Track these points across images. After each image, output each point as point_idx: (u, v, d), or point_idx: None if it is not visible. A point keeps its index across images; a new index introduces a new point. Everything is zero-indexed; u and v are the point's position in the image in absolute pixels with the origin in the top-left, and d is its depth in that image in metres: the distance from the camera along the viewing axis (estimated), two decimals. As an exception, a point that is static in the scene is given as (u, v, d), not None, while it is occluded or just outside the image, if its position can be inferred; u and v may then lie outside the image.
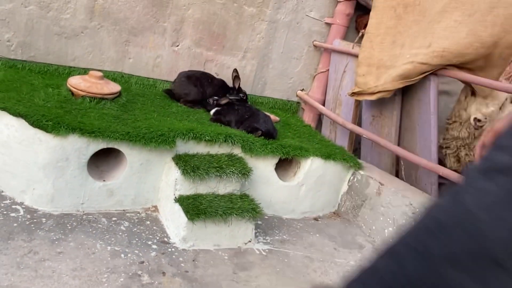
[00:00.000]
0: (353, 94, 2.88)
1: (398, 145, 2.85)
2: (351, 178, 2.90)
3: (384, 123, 2.90)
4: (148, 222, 2.31)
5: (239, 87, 3.08)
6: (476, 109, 2.63)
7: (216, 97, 2.99)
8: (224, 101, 2.93)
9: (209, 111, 2.96)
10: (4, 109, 2.09)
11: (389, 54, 2.68)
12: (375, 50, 2.76)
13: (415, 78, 2.47)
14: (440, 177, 2.61)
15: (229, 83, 3.12)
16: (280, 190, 2.71)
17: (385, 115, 2.89)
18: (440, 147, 2.83)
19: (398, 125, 2.82)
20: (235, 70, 3.08)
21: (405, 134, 2.82)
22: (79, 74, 2.78)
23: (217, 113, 2.88)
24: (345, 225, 2.84)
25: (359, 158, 3.09)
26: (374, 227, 2.72)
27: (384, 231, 2.65)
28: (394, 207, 2.61)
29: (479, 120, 2.62)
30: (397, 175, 2.98)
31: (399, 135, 2.85)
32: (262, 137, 2.67)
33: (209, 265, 2.09)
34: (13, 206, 2.12)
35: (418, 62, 2.41)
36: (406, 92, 2.75)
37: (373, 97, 2.69)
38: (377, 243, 2.68)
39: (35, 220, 2.06)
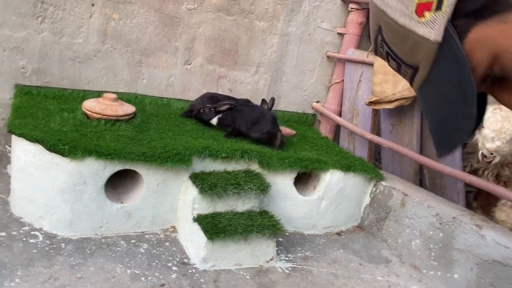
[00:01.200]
0: (370, 103, 2.81)
1: (420, 153, 2.76)
2: (373, 189, 2.81)
3: (404, 131, 2.83)
4: (167, 244, 2.27)
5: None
6: (481, 143, 2.40)
7: (209, 105, 2.82)
8: (224, 107, 2.77)
9: (207, 121, 2.83)
10: (21, 135, 2.09)
11: (405, 61, 2.62)
12: (391, 57, 2.70)
13: (435, 84, 2.40)
14: (466, 184, 2.51)
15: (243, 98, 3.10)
16: (300, 205, 2.64)
17: (405, 123, 2.81)
18: (475, 171, 2.66)
19: (420, 133, 2.74)
20: (263, 100, 3.00)
21: (426, 141, 2.74)
22: (93, 97, 2.79)
23: (222, 122, 2.76)
24: (369, 239, 2.74)
25: (380, 169, 3.00)
26: (400, 240, 2.62)
27: (411, 244, 2.55)
28: (420, 218, 2.52)
29: (485, 156, 2.40)
30: (421, 184, 2.88)
31: (420, 143, 2.77)
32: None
33: (231, 286, 2.03)
34: (32, 232, 2.10)
35: (436, 67, 2.34)
36: (425, 99, 2.68)
37: (391, 105, 2.62)
38: (404, 257, 2.57)
39: (54, 246, 2.03)
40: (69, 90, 2.82)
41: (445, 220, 2.39)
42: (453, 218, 2.35)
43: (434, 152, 2.60)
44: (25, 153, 2.10)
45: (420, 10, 0.56)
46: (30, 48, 2.68)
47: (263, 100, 3.01)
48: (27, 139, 2.07)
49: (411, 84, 0.63)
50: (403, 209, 2.62)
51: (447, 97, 0.56)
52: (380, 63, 2.77)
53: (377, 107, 2.79)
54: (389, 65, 0.65)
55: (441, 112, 0.57)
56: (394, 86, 2.63)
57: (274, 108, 3.30)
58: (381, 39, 0.63)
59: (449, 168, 2.47)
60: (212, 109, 2.79)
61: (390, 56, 0.63)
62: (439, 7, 0.53)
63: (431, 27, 0.55)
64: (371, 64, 2.97)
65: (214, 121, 2.82)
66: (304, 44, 3.38)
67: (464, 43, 0.52)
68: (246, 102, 3.03)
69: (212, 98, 2.95)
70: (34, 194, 2.12)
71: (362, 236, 2.78)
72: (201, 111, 2.81)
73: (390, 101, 2.61)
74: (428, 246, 2.45)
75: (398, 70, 0.63)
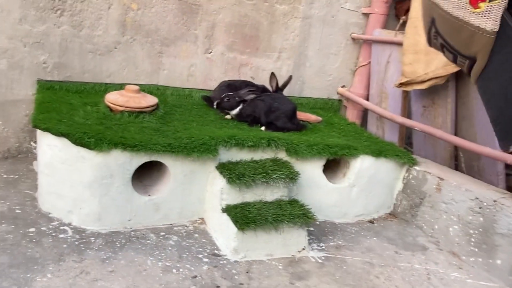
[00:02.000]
0: (401, 84, 2.69)
1: (455, 135, 2.63)
2: (406, 175, 2.70)
3: (437, 113, 2.69)
4: (197, 235, 2.22)
5: (277, 87, 2.97)
6: None
7: (230, 93, 2.70)
8: (250, 96, 2.64)
9: (228, 111, 2.71)
10: (46, 129, 2.07)
11: (437, 38, 2.48)
12: (422, 35, 2.53)
13: (471, 60, 2.26)
14: (507, 166, 2.37)
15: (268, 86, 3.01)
16: (330, 193, 2.55)
17: (438, 104, 2.68)
18: None
19: (454, 114, 2.60)
20: (272, 73, 2.95)
21: (462, 122, 2.60)
22: (115, 90, 2.75)
23: (244, 112, 2.66)
24: (403, 226, 2.64)
25: (412, 154, 2.88)
26: (436, 226, 2.51)
27: (448, 230, 2.43)
28: (458, 203, 2.40)
29: None
30: (456, 168, 2.75)
31: (455, 124, 2.63)
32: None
33: (264, 277, 1.97)
34: (61, 227, 2.09)
35: (473, 42, 2.20)
36: (460, 77, 2.54)
37: (424, 86, 2.49)
38: (441, 244, 2.46)
39: (84, 240, 2.01)
40: (90, 84, 2.79)
41: (485, 204, 2.26)
42: (494, 201, 2.23)
43: (471, 133, 2.46)
44: (51, 147, 2.08)
45: (475, 1, 0.51)
46: (50, 42, 2.65)
47: (272, 74, 2.91)
48: (52, 133, 2.05)
49: (468, 74, 0.58)
50: (439, 194, 2.50)
51: (508, 88, 0.52)
52: (410, 42, 2.63)
53: (408, 88, 2.66)
54: (444, 55, 0.61)
55: (503, 104, 0.53)
56: (426, 65, 2.50)
57: (298, 95, 3.21)
58: (435, 31, 0.59)
59: (489, 148, 2.34)
60: (237, 98, 2.66)
61: (445, 48, 0.58)
62: None
63: (487, 17, 0.50)
64: (400, 44, 2.84)
65: (235, 111, 2.69)
66: (328, 27, 3.26)
67: None
68: (264, 89, 2.96)
69: (230, 86, 2.88)
70: (62, 188, 2.10)
71: (395, 223, 2.68)
72: (225, 100, 2.70)
73: (423, 81, 2.48)
74: (468, 232, 2.33)
75: (454, 61, 0.59)
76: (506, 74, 0.50)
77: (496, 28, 0.47)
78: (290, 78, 2.92)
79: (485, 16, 0.47)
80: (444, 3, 0.50)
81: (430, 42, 0.59)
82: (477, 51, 0.50)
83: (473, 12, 0.49)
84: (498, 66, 0.51)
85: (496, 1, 0.47)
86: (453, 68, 2.33)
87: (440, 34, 0.54)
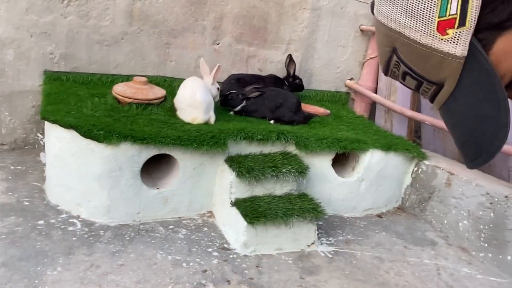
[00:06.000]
0: (411, 78, 2.64)
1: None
2: (415, 169, 2.68)
3: (448, 107, 2.66)
4: (206, 229, 2.21)
5: (294, 73, 2.94)
6: None
7: (234, 91, 2.64)
8: (254, 93, 2.60)
9: (233, 107, 2.66)
10: (54, 121, 2.05)
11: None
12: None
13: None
14: (518, 161, 2.35)
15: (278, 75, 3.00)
16: (339, 187, 2.54)
17: (448, 98, 2.64)
18: None
19: (465, 108, 2.57)
20: (289, 56, 2.95)
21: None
22: (122, 81, 2.72)
23: (246, 109, 2.62)
24: (412, 221, 2.63)
25: (420, 147, 2.86)
26: (445, 221, 2.49)
27: (458, 225, 2.42)
28: (468, 198, 2.38)
29: None
30: (465, 162, 2.72)
31: (466, 118, 2.60)
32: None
33: (274, 271, 1.97)
34: (70, 220, 2.08)
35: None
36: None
37: (436, 79, 2.45)
38: (450, 239, 2.45)
39: (93, 233, 2.00)
40: (97, 75, 2.76)
41: (496, 199, 2.25)
42: (506, 197, 2.21)
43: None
44: (59, 139, 2.06)
45: (442, 28, 0.51)
46: (57, 33, 2.62)
47: (290, 58, 2.94)
48: (61, 126, 2.03)
49: (431, 100, 0.59)
50: (448, 189, 2.48)
51: (478, 108, 0.54)
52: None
53: (419, 82, 2.62)
54: (405, 84, 0.61)
55: (473, 124, 0.55)
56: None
57: (306, 87, 3.18)
58: (397, 60, 0.58)
59: (500, 144, 2.31)
60: (240, 96, 2.62)
61: (408, 75, 0.58)
62: (462, 23, 0.51)
63: (456, 43, 0.50)
64: (410, 37, 2.79)
65: (238, 108, 2.63)
66: (337, 18, 3.21)
67: (490, 55, 0.52)
68: (274, 79, 2.93)
69: (240, 81, 2.83)
70: (71, 181, 2.09)
71: (404, 218, 2.66)
72: (229, 97, 2.65)
73: (434, 75, 2.44)
74: (478, 227, 2.32)
75: (417, 88, 0.59)
76: (476, 95, 0.52)
77: (465, 53, 0.49)
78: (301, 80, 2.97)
79: (454, 42, 0.48)
80: (410, 32, 0.51)
81: (387, 72, 0.59)
82: (446, 77, 0.52)
83: (442, 39, 0.50)
84: (467, 89, 0.53)
85: (465, 27, 0.48)
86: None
87: (403, 62, 0.55)
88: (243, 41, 3.07)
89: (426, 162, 2.62)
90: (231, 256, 2.02)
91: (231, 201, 2.16)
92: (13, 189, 2.24)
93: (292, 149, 2.41)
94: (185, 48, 2.96)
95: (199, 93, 2.27)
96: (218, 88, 2.55)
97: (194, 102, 2.28)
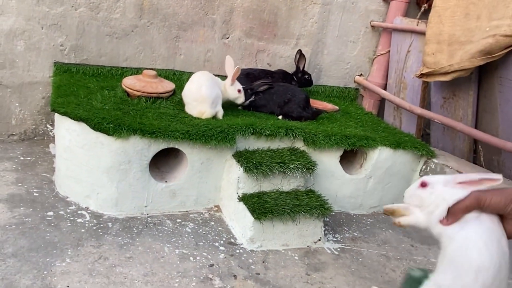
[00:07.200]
0: (422, 75, 2.63)
1: (475, 128, 2.57)
2: (423, 167, 2.66)
3: (458, 105, 2.64)
4: (213, 223, 2.22)
5: (303, 68, 2.93)
6: None
7: (243, 85, 2.60)
8: (262, 87, 2.60)
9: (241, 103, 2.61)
10: (65, 114, 2.06)
11: (462, 28, 2.40)
12: (445, 25, 2.49)
13: (499, 54, 2.19)
14: (529, 162, 2.33)
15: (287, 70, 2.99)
16: (346, 184, 2.53)
17: (459, 96, 2.62)
18: None
19: (476, 106, 2.54)
20: (299, 51, 2.95)
21: (483, 116, 2.55)
22: (131, 74, 2.73)
23: (255, 104, 2.62)
24: (419, 219, 2.62)
25: (429, 145, 2.84)
26: (453, 220, 2.48)
27: (466, 224, 2.41)
28: (476, 198, 2.36)
29: None
30: (474, 161, 2.71)
31: (476, 117, 2.58)
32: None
33: (280, 267, 1.97)
34: (79, 212, 2.10)
35: (501, 35, 2.13)
36: (484, 70, 2.47)
37: (448, 77, 2.43)
38: (457, 238, 2.44)
39: (101, 225, 2.02)
40: (107, 68, 2.76)
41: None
42: (515, 197, 2.19)
43: (492, 127, 2.42)
44: (69, 132, 2.07)
45: None
46: (68, 25, 2.62)
47: (301, 53, 2.93)
48: (71, 118, 2.04)
49: None
50: (457, 188, 2.46)
51: None
52: (433, 31, 2.56)
53: (430, 79, 2.60)
54: None
55: None
56: (449, 56, 2.43)
57: (315, 83, 3.17)
58: None
59: (510, 143, 2.29)
60: (249, 90, 2.61)
61: None
62: None
63: None
64: (421, 33, 2.77)
65: (246, 103, 2.62)
66: (347, 13, 3.19)
67: None
68: (283, 74, 2.92)
69: (249, 75, 2.83)
70: (80, 173, 2.10)
71: (411, 216, 2.65)
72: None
73: (446, 73, 2.42)
74: (485, 227, 2.30)
75: None
76: None
77: None
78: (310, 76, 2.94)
79: None
80: None
81: None
82: None
83: None
84: None
85: None
86: (479, 61, 2.26)
87: None
88: (252, 35, 3.05)
89: (434, 160, 2.60)
90: (237, 251, 2.03)
91: (238, 196, 2.16)
92: (23, 180, 2.26)
93: (300, 145, 2.40)
94: (194, 42, 2.95)
95: (205, 88, 2.27)
96: (239, 90, 2.49)
97: (200, 97, 2.28)
